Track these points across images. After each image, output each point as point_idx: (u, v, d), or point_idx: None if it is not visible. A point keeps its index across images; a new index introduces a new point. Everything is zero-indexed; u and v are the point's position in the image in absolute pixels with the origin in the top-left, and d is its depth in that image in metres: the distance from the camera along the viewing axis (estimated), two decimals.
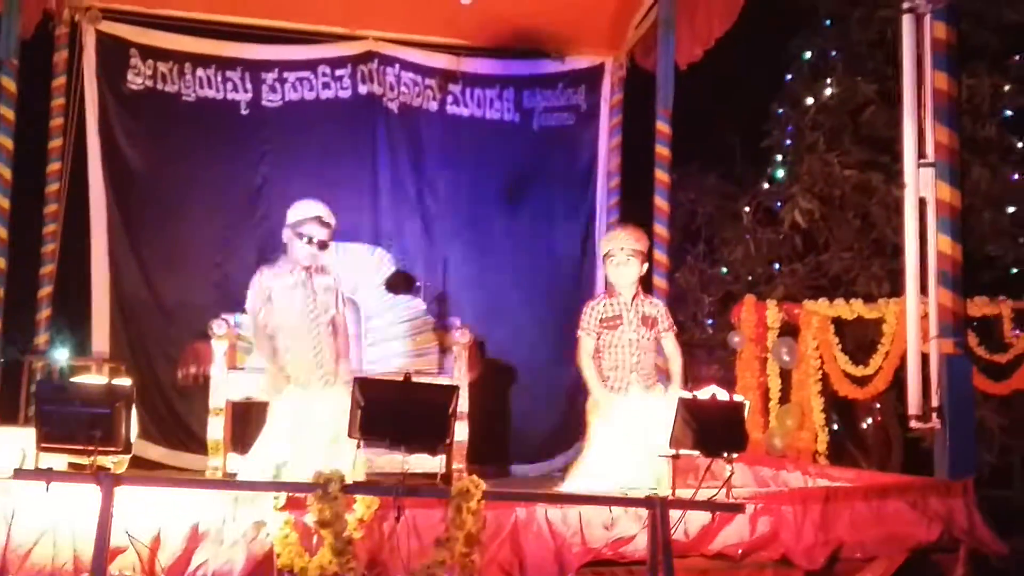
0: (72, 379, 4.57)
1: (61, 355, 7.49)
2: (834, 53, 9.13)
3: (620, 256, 5.53)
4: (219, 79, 8.21)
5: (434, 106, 8.65)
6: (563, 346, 8.33)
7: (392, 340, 7.43)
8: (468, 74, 8.70)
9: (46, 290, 7.66)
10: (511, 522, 4.35)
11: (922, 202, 5.70)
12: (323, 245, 5.30)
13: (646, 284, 6.52)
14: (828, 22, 9.18)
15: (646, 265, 5.69)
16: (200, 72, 8.16)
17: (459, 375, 6.88)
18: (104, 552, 3.77)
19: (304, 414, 5.05)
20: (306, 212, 5.27)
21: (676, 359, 5.60)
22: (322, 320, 5.29)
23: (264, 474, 4.89)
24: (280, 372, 5.14)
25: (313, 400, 5.09)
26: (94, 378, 5.90)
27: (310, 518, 4.07)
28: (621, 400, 5.39)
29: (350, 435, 4.08)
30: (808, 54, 9.27)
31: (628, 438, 5.20)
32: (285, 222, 5.30)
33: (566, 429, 8.31)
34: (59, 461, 4.75)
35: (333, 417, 4.86)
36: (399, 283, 7.91)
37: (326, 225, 5.28)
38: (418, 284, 7.98)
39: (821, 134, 8.72)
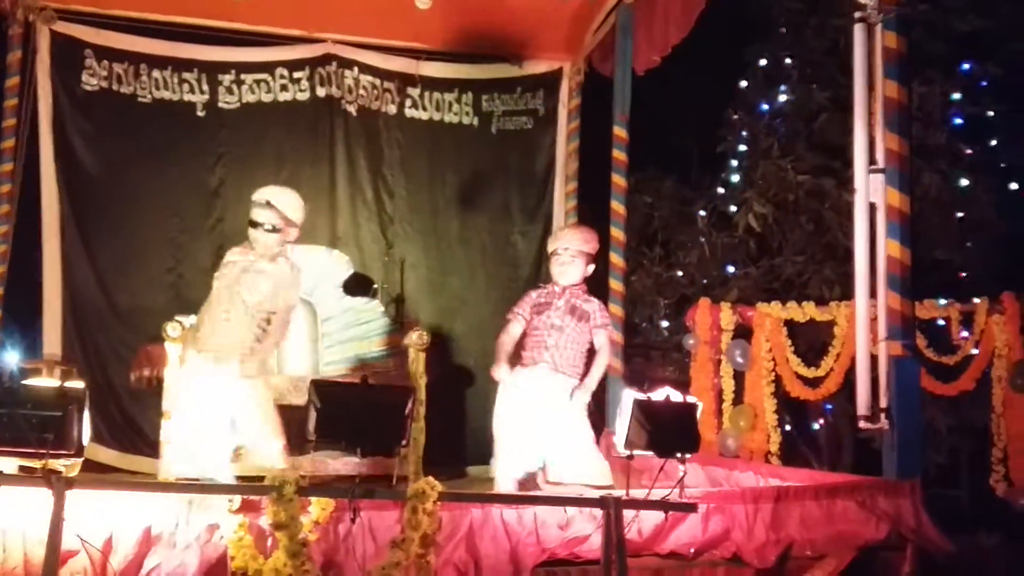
0: (23, 381, 4.52)
1: (11, 357, 7.40)
2: (788, 60, 9.27)
3: (564, 256, 5.66)
4: (175, 80, 8.15)
5: (393, 109, 8.65)
6: (518, 346, 8.44)
7: (349, 342, 7.41)
8: (427, 77, 8.71)
9: None
10: (467, 523, 4.37)
11: (872, 207, 5.79)
12: (272, 230, 5.22)
13: (602, 286, 6.58)
14: (783, 30, 9.31)
15: (591, 267, 5.78)
16: (156, 73, 8.10)
17: (416, 377, 6.88)
18: (56, 556, 3.74)
19: (219, 395, 5.08)
20: (257, 196, 5.25)
21: (603, 355, 5.68)
22: (262, 309, 5.21)
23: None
24: (195, 339, 5.19)
25: (230, 383, 5.10)
26: (46, 380, 5.83)
27: (265, 520, 4.06)
28: (526, 374, 5.55)
29: (308, 436, 4.08)
30: (763, 61, 9.40)
31: (527, 413, 5.47)
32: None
33: None
34: (10, 464, 4.74)
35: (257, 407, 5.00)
36: (356, 285, 7.90)
37: (272, 208, 5.21)
38: (375, 286, 7.97)
39: (775, 140, 8.85)
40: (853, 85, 5.91)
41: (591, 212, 8.48)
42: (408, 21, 7.86)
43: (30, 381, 4.92)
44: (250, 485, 4.39)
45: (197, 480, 4.78)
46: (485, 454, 8.23)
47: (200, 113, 8.19)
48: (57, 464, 4.02)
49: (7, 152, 7.68)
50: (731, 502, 4.83)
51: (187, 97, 8.16)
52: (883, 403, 5.51)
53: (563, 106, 9.02)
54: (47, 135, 7.85)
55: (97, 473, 6.74)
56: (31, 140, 7.82)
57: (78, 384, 4.20)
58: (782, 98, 9.41)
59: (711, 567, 4.69)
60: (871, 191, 5.82)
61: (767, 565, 4.72)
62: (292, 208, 5.29)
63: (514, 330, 5.69)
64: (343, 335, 7.41)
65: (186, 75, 8.16)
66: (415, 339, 7.09)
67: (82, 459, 4.31)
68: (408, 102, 8.70)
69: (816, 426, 8.13)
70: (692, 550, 4.67)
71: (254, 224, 5.20)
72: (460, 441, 8.24)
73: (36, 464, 4.41)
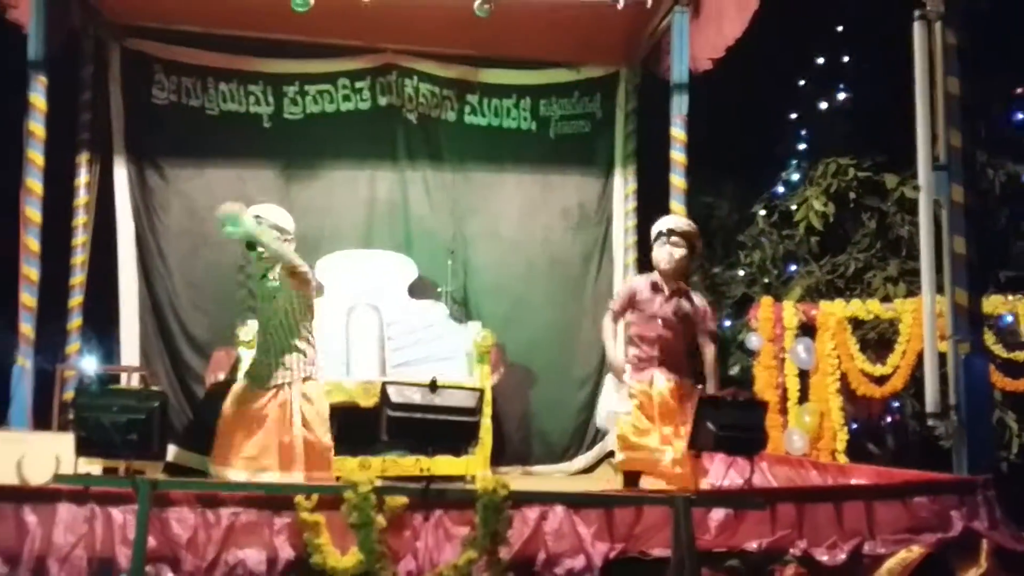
0: (109, 386, 4.67)
1: (91, 363, 7.63)
2: (847, 58, 9.20)
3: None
4: (241, 93, 8.35)
5: (452, 116, 8.77)
6: (580, 348, 8.51)
7: (415, 345, 7.54)
8: (485, 84, 8.82)
9: (76, 300, 7.84)
10: (536, 521, 4.43)
11: (937, 204, 5.76)
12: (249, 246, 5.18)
13: None
14: (841, 28, 9.26)
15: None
16: (223, 86, 8.31)
17: (482, 378, 6.98)
18: (142, 554, 3.88)
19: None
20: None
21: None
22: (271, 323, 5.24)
23: None
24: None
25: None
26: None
27: (341, 519, 4.16)
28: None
29: (380, 437, 4.18)
30: (822, 59, 9.35)
31: None
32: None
33: (585, 430, 8.43)
34: (94, 466, 4.92)
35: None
36: (422, 289, 8.05)
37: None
38: (440, 289, 8.10)
39: (835, 138, 8.79)
40: (914, 82, 5.88)
41: (650, 214, 8.49)
42: (466, 29, 7.95)
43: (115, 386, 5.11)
44: (327, 484, 4.50)
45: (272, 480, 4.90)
46: (550, 454, 8.38)
47: (266, 124, 8.39)
48: (141, 465, 4.17)
49: (83, 165, 7.95)
50: (799, 500, 4.83)
51: (253, 109, 8.36)
52: (952, 400, 5.48)
53: (620, 109, 9.06)
54: (120, 148, 8.09)
55: (174, 474, 6.91)
56: (105, 153, 8.06)
57: (157, 388, 4.35)
58: (841, 96, 9.35)
59: (780, 566, 4.69)
60: (935, 188, 5.79)
61: (837, 563, 4.71)
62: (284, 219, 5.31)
63: None
64: (409, 338, 7.55)
65: (252, 87, 8.36)
66: (479, 340, 7.20)
67: (164, 461, 4.44)
68: (467, 109, 8.82)
69: (883, 424, 8.06)
70: (761, 548, 4.68)
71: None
72: (525, 442, 8.33)
73: (119, 465, 4.61)
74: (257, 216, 5.10)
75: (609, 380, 5.86)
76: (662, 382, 5.48)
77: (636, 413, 5.50)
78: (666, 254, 5.61)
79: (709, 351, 5.71)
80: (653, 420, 5.45)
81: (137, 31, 8.15)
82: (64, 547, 4.16)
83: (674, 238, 5.61)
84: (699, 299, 5.82)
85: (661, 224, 5.74)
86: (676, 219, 5.89)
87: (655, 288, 5.63)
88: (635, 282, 5.83)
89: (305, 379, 5.16)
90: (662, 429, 5.41)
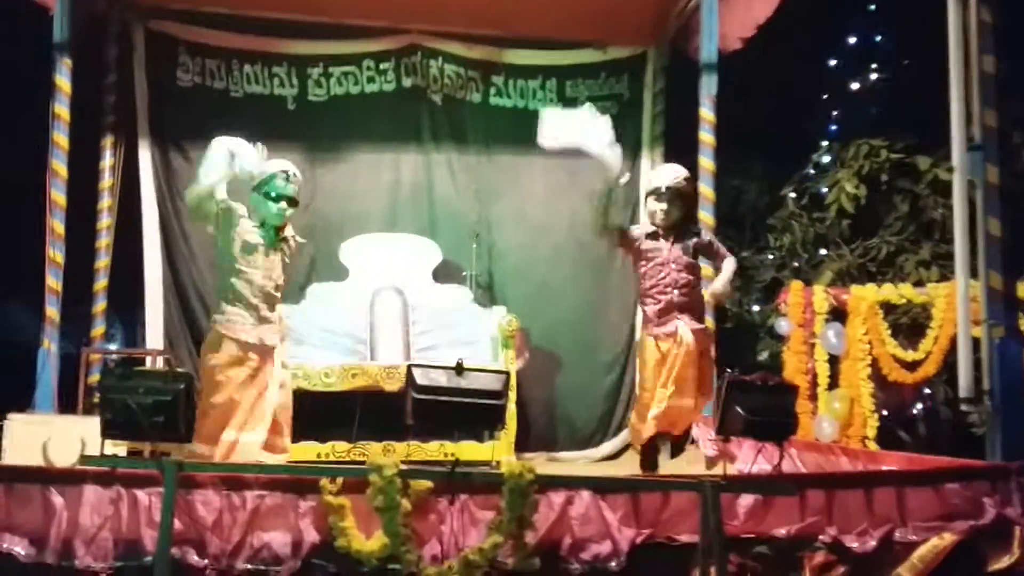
0: (135, 368, 4.67)
1: (116, 347, 7.65)
2: (879, 37, 9.07)
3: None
4: (266, 75, 8.33)
5: (477, 97, 8.71)
6: (606, 333, 8.44)
7: (439, 329, 7.51)
8: (510, 65, 8.74)
9: (101, 283, 7.87)
10: (562, 505, 4.39)
11: (971, 185, 5.66)
12: (293, 202, 5.25)
13: None
14: (873, 6, 9.12)
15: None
16: (247, 68, 8.28)
17: (507, 362, 6.94)
18: (169, 536, 3.88)
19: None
20: (276, 166, 5.22)
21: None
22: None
23: None
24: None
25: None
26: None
27: (366, 501, 4.14)
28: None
29: (405, 421, 4.15)
30: (853, 38, 9.22)
31: None
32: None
33: (611, 416, 8.37)
34: (120, 448, 4.93)
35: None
36: (446, 272, 8.01)
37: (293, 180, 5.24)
38: (464, 273, 8.06)
39: (867, 118, 8.67)
40: (948, 60, 5.78)
41: None
42: (491, 9, 7.90)
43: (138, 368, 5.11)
44: (352, 467, 4.49)
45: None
46: (575, 440, 8.34)
47: (291, 107, 8.36)
48: (167, 447, 4.17)
49: (108, 148, 7.97)
50: (829, 486, 4.77)
51: (277, 91, 8.34)
52: (985, 385, 5.39)
53: (648, 90, 8.93)
54: (144, 131, 8.08)
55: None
56: (130, 136, 8.07)
57: (184, 371, 4.34)
58: (873, 76, 9.23)
59: (810, 552, 4.63)
60: (969, 168, 5.68)
61: (867, 550, 4.66)
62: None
63: None
64: (433, 321, 7.51)
65: (276, 69, 8.33)
66: (503, 324, 7.15)
67: (189, 443, 4.42)
68: (492, 90, 8.74)
69: (915, 410, 7.96)
70: (790, 535, 4.62)
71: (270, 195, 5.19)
72: (550, 427, 8.28)
73: (144, 448, 4.61)
74: (295, 173, 5.23)
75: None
76: (687, 333, 5.44)
77: (653, 373, 5.49)
78: (662, 212, 5.61)
79: (729, 263, 5.69)
80: (671, 375, 5.42)
81: (161, 13, 8.14)
82: (90, 529, 4.18)
83: (672, 194, 5.60)
84: (703, 232, 5.83)
85: (658, 179, 5.73)
86: (668, 175, 5.74)
87: (656, 236, 5.62)
88: (635, 233, 5.76)
89: None
90: (683, 380, 5.40)
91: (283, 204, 5.19)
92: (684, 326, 5.46)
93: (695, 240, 5.66)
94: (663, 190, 5.62)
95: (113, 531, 4.18)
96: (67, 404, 6.89)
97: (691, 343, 5.42)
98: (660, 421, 5.46)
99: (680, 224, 5.68)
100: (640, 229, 5.76)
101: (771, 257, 9.20)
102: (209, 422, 4.89)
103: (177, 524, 4.05)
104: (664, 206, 5.60)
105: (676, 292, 5.51)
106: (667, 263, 5.55)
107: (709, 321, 6.15)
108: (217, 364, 5.00)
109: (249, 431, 4.97)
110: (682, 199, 5.65)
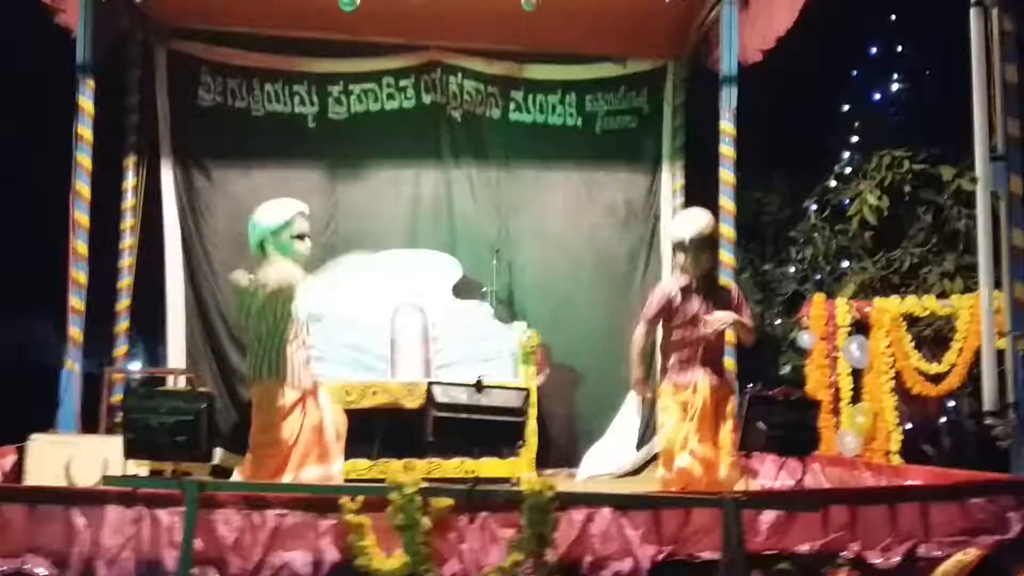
0: (157, 388, 4.70)
1: (138, 366, 7.69)
2: (901, 48, 9.03)
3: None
4: (286, 93, 8.38)
5: (497, 113, 8.72)
6: (627, 348, 8.38)
7: (460, 345, 7.51)
8: (530, 80, 8.75)
9: (124, 303, 7.91)
10: (583, 523, 4.37)
11: (995, 196, 5.61)
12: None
13: None
14: (894, 16, 9.08)
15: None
16: (268, 87, 8.33)
17: (528, 379, 6.93)
18: (190, 556, 3.89)
19: None
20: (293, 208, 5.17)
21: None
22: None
23: None
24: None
25: None
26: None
27: (386, 520, 4.14)
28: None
29: (426, 438, 4.15)
30: (875, 49, 9.18)
31: None
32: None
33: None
34: (142, 468, 4.95)
35: None
36: (466, 288, 8.01)
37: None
38: (484, 289, 8.06)
39: (889, 129, 8.62)
40: (971, 71, 5.73)
41: None
42: (510, 24, 7.90)
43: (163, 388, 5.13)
44: (372, 485, 4.49)
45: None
46: (595, 457, 8.28)
47: (311, 125, 8.41)
48: (188, 467, 4.18)
49: (130, 168, 8.03)
50: (853, 501, 4.72)
51: (298, 109, 8.38)
52: (1010, 398, 5.33)
53: (668, 103, 8.93)
54: (166, 151, 8.15)
55: (220, 477, 6.94)
56: (152, 156, 8.13)
57: (206, 390, 4.36)
58: (895, 86, 9.19)
59: (833, 568, 4.59)
60: (993, 179, 5.63)
61: (891, 566, 4.61)
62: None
63: None
64: (454, 337, 7.52)
65: (296, 87, 8.38)
66: (524, 340, 7.14)
67: (211, 463, 4.44)
68: (512, 105, 8.76)
69: (939, 423, 7.88)
70: (813, 550, 4.58)
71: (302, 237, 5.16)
72: (571, 443, 8.26)
73: (167, 467, 4.62)
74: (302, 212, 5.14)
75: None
76: (705, 384, 5.38)
77: (676, 425, 5.40)
78: (692, 262, 5.48)
79: (746, 317, 5.62)
80: (693, 421, 5.34)
81: (183, 33, 8.21)
82: (112, 549, 4.19)
83: (698, 244, 5.46)
84: (732, 289, 5.76)
85: (680, 232, 5.55)
86: (694, 224, 5.54)
87: (689, 290, 5.51)
88: (667, 288, 5.61)
89: None
90: (704, 426, 5.32)
91: (308, 241, 5.19)
92: (703, 377, 5.39)
93: (727, 300, 5.56)
94: (687, 243, 5.48)
95: (135, 551, 4.19)
96: (90, 424, 6.93)
97: (707, 395, 5.35)
98: (684, 477, 5.39)
99: (711, 270, 5.63)
100: (673, 284, 5.59)
101: (793, 270, 9.15)
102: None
103: (198, 544, 4.06)
104: (691, 257, 5.48)
105: (701, 349, 5.44)
106: (698, 319, 5.45)
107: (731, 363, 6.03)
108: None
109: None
110: (710, 245, 5.57)
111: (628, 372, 5.78)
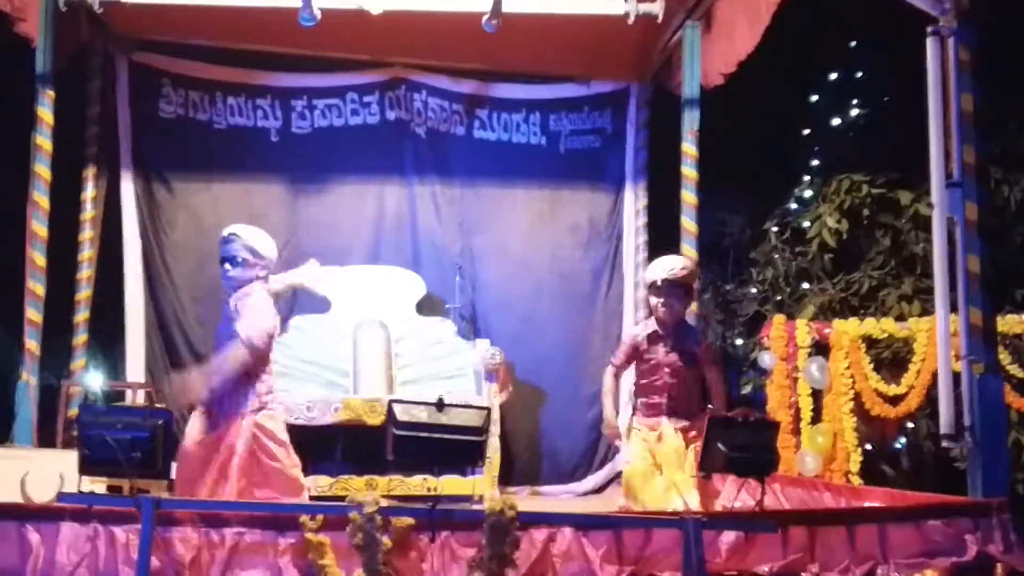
0: (113, 404, 4.63)
1: (96, 380, 7.58)
2: (860, 74, 9.15)
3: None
4: (249, 107, 8.35)
5: (461, 131, 8.75)
6: (590, 366, 8.44)
7: (423, 362, 7.49)
8: (494, 99, 8.79)
9: (82, 315, 7.80)
10: (544, 542, 4.36)
11: (951, 221, 5.69)
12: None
13: None
14: (854, 43, 9.21)
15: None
16: (231, 100, 8.30)
17: (490, 396, 6.92)
18: (147, 574, 3.83)
19: None
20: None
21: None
22: None
23: None
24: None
25: None
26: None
27: (346, 539, 4.10)
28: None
29: (386, 456, 4.12)
30: (835, 75, 9.30)
31: None
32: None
33: (595, 450, 8.35)
34: (98, 484, 4.87)
35: None
36: (429, 305, 8.00)
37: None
38: (448, 306, 8.05)
39: (848, 154, 8.73)
40: (928, 99, 5.82)
41: (661, 230, 8.45)
42: (476, 43, 7.91)
43: (119, 404, 5.07)
44: (332, 504, 4.45)
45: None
46: (559, 473, 8.30)
47: (274, 139, 8.37)
48: (144, 483, 4.12)
49: (90, 179, 7.94)
50: (812, 523, 4.75)
51: (261, 123, 8.35)
52: (966, 421, 5.39)
53: (631, 124, 9.01)
54: (127, 162, 8.08)
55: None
56: (112, 168, 8.04)
57: (163, 406, 4.31)
58: (854, 112, 9.31)
59: None
60: (949, 205, 5.72)
61: None
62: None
63: None
64: (417, 355, 7.49)
65: (260, 101, 8.36)
66: (487, 357, 7.14)
67: (168, 479, 4.39)
68: (476, 123, 8.79)
69: (897, 445, 7.96)
70: (772, 571, 4.60)
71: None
72: (534, 461, 8.26)
73: (123, 483, 4.55)
74: (233, 233, 4.98)
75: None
76: (670, 430, 5.41)
77: (641, 459, 5.43)
78: (662, 306, 5.50)
79: (715, 385, 5.67)
80: (659, 467, 5.37)
81: (145, 45, 8.16)
82: (67, 566, 4.10)
83: (669, 288, 5.49)
84: (703, 344, 5.78)
85: (654, 272, 5.59)
86: (669, 266, 5.58)
87: (655, 337, 5.55)
88: (635, 333, 5.73)
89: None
90: (673, 475, 5.32)
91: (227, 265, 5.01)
92: (668, 426, 5.42)
93: (693, 349, 5.59)
94: (659, 283, 5.50)
95: (90, 569, 4.10)
96: (46, 438, 6.81)
97: (674, 442, 5.37)
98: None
99: (682, 318, 5.66)
100: (641, 330, 5.67)
101: (754, 291, 9.20)
102: None
103: (155, 562, 3.99)
104: (663, 299, 5.50)
105: (666, 396, 5.48)
106: (661, 367, 5.51)
107: None
108: None
109: None
110: (683, 290, 5.57)
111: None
